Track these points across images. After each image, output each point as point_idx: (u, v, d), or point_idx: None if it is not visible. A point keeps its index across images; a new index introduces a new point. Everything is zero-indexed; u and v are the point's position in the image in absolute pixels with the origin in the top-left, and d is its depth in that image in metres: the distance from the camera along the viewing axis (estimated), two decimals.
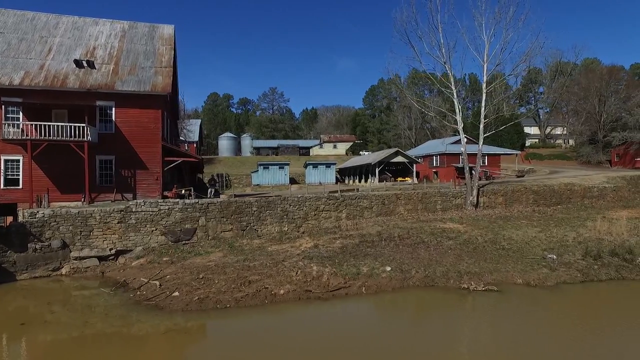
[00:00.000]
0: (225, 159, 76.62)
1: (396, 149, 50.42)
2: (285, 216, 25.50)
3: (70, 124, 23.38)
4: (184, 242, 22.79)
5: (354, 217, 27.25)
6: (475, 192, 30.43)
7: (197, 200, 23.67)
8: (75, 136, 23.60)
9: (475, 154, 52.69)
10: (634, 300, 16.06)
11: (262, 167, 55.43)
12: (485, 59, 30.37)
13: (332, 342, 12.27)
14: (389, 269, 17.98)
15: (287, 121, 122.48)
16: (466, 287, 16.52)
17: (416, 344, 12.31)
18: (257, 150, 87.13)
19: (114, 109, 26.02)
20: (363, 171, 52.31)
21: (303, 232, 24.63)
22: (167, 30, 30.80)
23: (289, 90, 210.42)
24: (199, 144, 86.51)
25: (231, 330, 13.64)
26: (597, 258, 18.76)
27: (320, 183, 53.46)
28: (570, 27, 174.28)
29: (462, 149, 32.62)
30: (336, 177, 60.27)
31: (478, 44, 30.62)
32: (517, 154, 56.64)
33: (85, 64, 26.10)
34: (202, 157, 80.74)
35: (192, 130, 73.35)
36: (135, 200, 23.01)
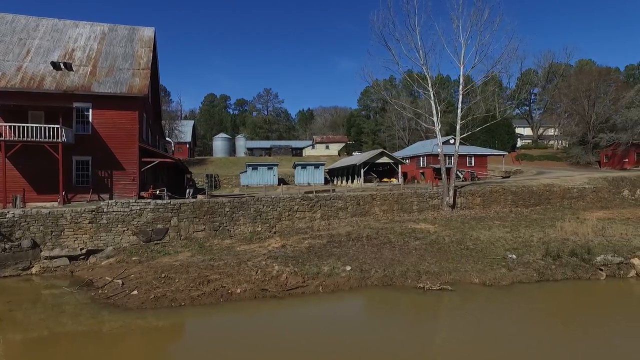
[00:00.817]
0: (217, 160, 77.01)
1: (381, 150, 50.66)
2: (258, 217, 25.81)
3: (45, 125, 23.74)
4: (155, 241, 23.10)
5: (328, 218, 27.54)
6: (451, 193, 30.70)
7: (169, 201, 23.99)
8: (49, 137, 23.95)
9: (463, 155, 53.18)
10: (583, 298, 16.31)
11: (250, 168, 55.75)
12: (461, 61, 30.67)
13: (271, 339, 12.57)
14: (349, 268, 18.27)
15: (282, 122, 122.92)
16: (422, 286, 16.79)
17: (353, 340, 12.58)
18: (251, 151, 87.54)
19: (90, 110, 26.39)
20: (350, 172, 52.63)
21: (275, 232, 24.93)
22: (147, 32, 31.16)
23: (288, 91, 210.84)
24: (192, 145, 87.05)
25: (176, 327, 13.93)
26: (557, 258, 19.00)
27: (309, 184, 53.69)
28: (567, 29, 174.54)
29: (438, 150, 32.88)
30: (325, 177, 60.63)
31: (455, 47, 30.93)
32: (504, 155, 56.85)
33: (62, 66, 26.47)
34: (195, 157, 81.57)
35: (183, 131, 73.74)
36: (106, 201, 23.34)
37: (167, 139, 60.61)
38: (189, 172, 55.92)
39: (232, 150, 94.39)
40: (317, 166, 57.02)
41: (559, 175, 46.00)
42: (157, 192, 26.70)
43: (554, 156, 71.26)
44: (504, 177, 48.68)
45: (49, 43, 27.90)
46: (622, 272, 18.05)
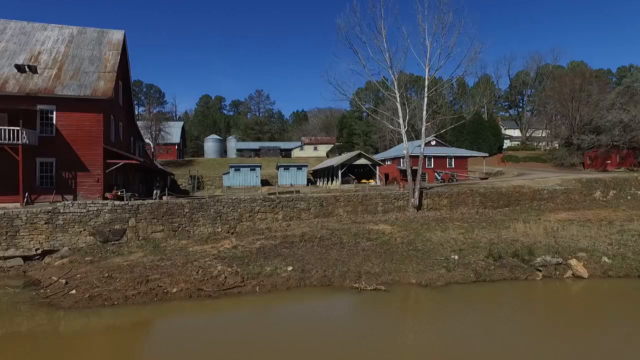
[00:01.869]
0: (205, 161, 77.41)
1: (359, 151, 50.93)
2: (218, 217, 26.12)
3: (4, 127, 24.08)
4: (112, 242, 23.44)
5: (290, 219, 27.83)
6: (417, 194, 30.95)
7: (127, 202, 24.33)
8: (10, 139, 24.27)
9: (443, 157, 53.45)
10: (512, 299, 16.55)
11: (233, 169, 56.09)
12: (427, 64, 30.95)
13: (175, 338, 12.90)
14: (290, 268, 18.57)
15: (275, 123, 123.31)
16: (357, 286, 17.08)
17: (265, 336, 12.88)
18: (240, 152, 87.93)
19: (54, 112, 26.70)
20: (330, 173, 52.91)
21: (233, 233, 25.24)
22: (117, 35, 31.53)
23: (287, 92, 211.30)
24: (182, 146, 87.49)
25: (91, 326, 14.23)
26: (498, 259, 19.26)
27: (291, 184, 53.94)
28: (564, 31, 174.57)
29: (404, 152, 33.13)
30: (309, 179, 60.95)
31: (421, 49, 31.22)
32: (484, 157, 57.03)
33: (27, 69, 26.83)
34: (183, 159, 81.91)
35: (171, 132, 74.12)
36: (63, 202, 23.68)
37: (147, 140, 60.90)
38: (171, 174, 56.34)
39: (223, 151, 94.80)
40: (299, 167, 57.36)
41: (536, 176, 46.21)
42: (119, 193, 26.99)
43: (540, 158, 71.41)
44: (482, 179, 48.91)
45: (15, 46, 28.29)
46: (558, 272, 18.30)
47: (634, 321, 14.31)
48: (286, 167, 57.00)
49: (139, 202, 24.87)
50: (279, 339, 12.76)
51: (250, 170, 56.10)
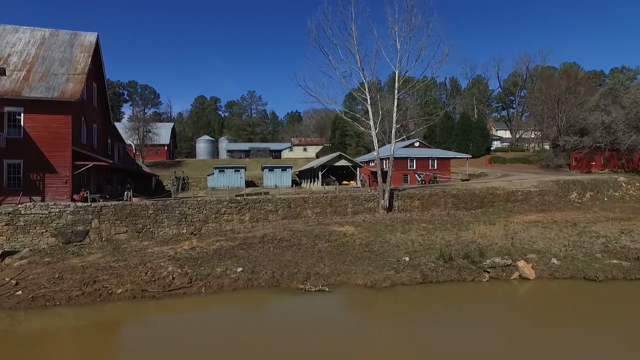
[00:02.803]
0: (194, 162, 77.67)
1: (339, 152, 51.13)
2: (184, 219, 26.30)
3: None
4: (75, 243, 23.63)
5: (257, 220, 28.00)
6: (387, 196, 31.10)
7: (89, 203, 24.52)
8: None
9: (425, 158, 53.58)
10: (448, 300, 16.62)
11: (217, 170, 56.29)
12: (397, 66, 31.12)
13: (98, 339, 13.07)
14: (240, 270, 18.73)
15: (268, 124, 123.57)
16: (302, 288, 17.23)
17: (184, 338, 13.05)
18: (231, 153, 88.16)
19: (22, 114, 26.91)
20: (313, 174, 53.10)
21: (196, 235, 25.40)
22: (89, 38, 31.74)
23: (285, 93, 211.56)
24: (172, 147, 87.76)
25: (20, 327, 14.37)
26: (449, 260, 19.39)
27: (276, 186, 54.19)
28: (559, 32, 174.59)
29: (374, 154, 33.29)
30: (294, 180, 61.13)
31: (391, 52, 31.38)
32: (467, 158, 57.15)
33: None
34: (173, 159, 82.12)
35: (159, 133, 74.40)
36: (24, 204, 23.87)
37: (129, 142, 61.15)
38: (155, 175, 56.57)
39: (215, 152, 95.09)
40: (284, 169, 57.60)
41: (516, 178, 46.30)
42: (85, 194, 27.16)
43: (526, 159, 71.53)
44: (463, 180, 49.01)
45: None
46: (505, 274, 18.42)
47: (555, 320, 14.43)
48: (270, 169, 57.25)
49: (103, 203, 25.05)
50: (194, 341, 12.87)
51: (235, 171, 56.30)
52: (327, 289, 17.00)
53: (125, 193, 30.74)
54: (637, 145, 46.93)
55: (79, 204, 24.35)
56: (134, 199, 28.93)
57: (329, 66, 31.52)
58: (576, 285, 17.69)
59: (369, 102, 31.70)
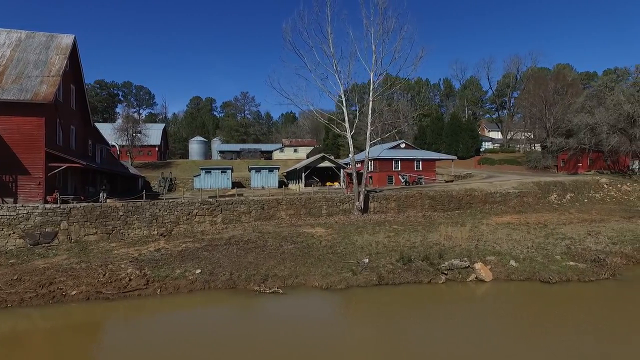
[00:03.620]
0: (184, 163, 77.79)
1: (322, 154, 51.25)
2: (154, 220, 26.41)
3: None
4: (43, 245, 23.74)
5: (230, 222, 28.12)
6: (362, 198, 31.21)
7: (58, 205, 24.63)
8: None
9: (410, 159, 53.67)
10: (403, 302, 16.74)
11: (204, 171, 56.53)
12: (372, 69, 31.25)
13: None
14: (198, 271, 18.83)
15: (261, 125, 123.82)
16: (257, 289, 17.33)
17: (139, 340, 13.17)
18: (223, 154, 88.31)
19: None
20: (298, 175, 53.24)
21: (165, 236, 25.50)
22: (66, 40, 31.87)
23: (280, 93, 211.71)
24: (164, 148, 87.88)
25: None
26: (408, 262, 19.47)
27: (263, 187, 54.37)
28: (555, 32, 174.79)
29: (350, 156, 33.42)
30: (282, 181, 61.31)
31: (366, 54, 31.51)
32: (452, 159, 57.24)
33: None
34: (163, 160, 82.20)
35: (149, 134, 74.56)
36: None
37: (114, 143, 61.28)
38: (142, 176, 56.65)
39: (208, 153, 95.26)
40: (271, 170, 57.87)
41: (499, 179, 46.45)
42: (57, 195, 27.25)
43: (515, 160, 71.63)
44: (447, 181, 49.16)
45: None
46: (461, 276, 18.50)
47: (502, 322, 14.54)
48: (258, 170, 57.48)
49: (72, 205, 25.16)
50: (134, 347, 12.98)
51: (221, 172, 56.52)
52: (281, 291, 17.09)
53: (101, 194, 30.84)
54: (620, 146, 47.06)
55: (48, 205, 24.45)
56: (108, 200, 29.05)
57: (305, 68, 31.66)
58: (531, 287, 17.77)
59: (344, 104, 31.82)
